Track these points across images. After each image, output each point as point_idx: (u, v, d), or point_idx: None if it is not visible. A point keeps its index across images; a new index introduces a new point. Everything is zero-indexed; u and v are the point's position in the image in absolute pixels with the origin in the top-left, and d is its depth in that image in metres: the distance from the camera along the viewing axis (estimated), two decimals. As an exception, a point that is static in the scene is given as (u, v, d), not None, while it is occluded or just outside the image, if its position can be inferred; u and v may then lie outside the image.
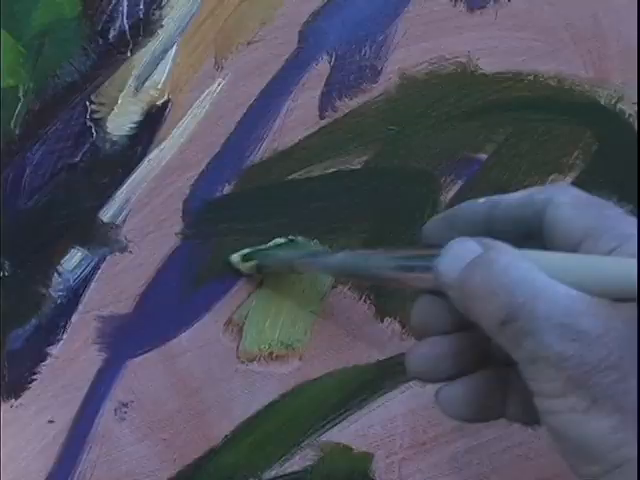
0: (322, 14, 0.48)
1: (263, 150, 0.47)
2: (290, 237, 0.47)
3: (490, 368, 0.36)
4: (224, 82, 0.47)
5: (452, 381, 0.35)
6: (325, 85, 0.48)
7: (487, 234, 0.33)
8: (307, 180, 0.48)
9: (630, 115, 0.49)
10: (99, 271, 0.46)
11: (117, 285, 0.46)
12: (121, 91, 0.45)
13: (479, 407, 0.35)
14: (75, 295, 0.46)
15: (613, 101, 0.49)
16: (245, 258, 0.47)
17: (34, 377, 0.46)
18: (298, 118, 0.47)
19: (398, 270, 0.36)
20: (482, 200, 0.36)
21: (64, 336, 0.46)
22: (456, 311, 0.33)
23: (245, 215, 0.47)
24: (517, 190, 0.34)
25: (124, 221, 0.46)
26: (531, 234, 0.34)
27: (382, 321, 0.49)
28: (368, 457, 0.49)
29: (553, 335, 0.29)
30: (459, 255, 0.32)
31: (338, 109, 0.48)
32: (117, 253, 0.46)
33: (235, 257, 0.47)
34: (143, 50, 0.45)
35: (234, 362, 0.48)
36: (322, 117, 0.48)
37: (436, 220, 0.38)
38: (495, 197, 0.36)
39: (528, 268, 0.30)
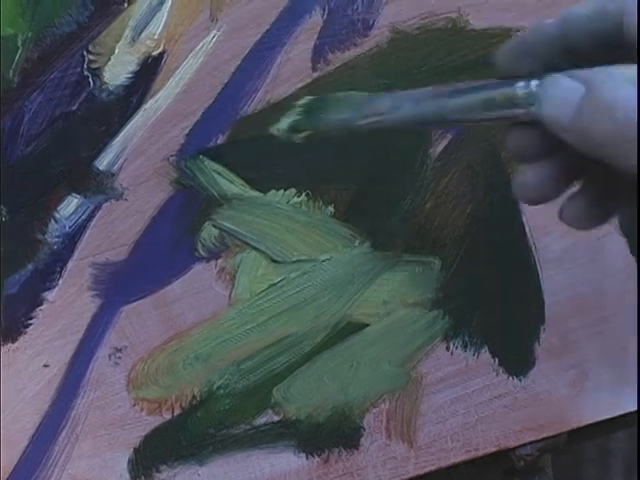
0: (316, -33, 0.48)
1: (256, 101, 0.48)
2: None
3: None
4: (219, 34, 0.47)
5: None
6: (318, 38, 0.48)
7: (564, 52, 0.34)
8: (299, 132, 0.48)
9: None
10: (95, 218, 0.47)
11: (112, 232, 0.47)
12: (118, 41, 0.46)
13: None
14: (71, 241, 0.47)
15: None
16: (293, 128, 0.40)
17: (30, 322, 0.47)
18: (291, 70, 0.48)
19: (483, 111, 0.34)
20: (551, 20, 0.35)
21: (60, 282, 0.47)
22: (549, 137, 0.33)
23: (238, 165, 0.48)
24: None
25: (120, 169, 0.47)
26: (611, 45, 0.34)
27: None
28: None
29: None
30: (563, 98, 0.32)
31: (330, 62, 0.48)
32: (113, 201, 0.47)
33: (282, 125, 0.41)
34: (139, 1, 0.46)
35: (227, 309, 0.49)
36: (314, 69, 0.48)
37: (509, 48, 0.36)
38: (562, 15, 0.35)
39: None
